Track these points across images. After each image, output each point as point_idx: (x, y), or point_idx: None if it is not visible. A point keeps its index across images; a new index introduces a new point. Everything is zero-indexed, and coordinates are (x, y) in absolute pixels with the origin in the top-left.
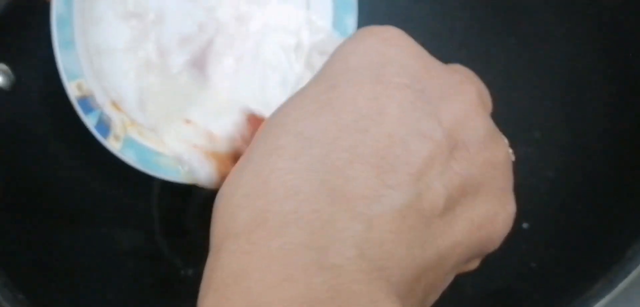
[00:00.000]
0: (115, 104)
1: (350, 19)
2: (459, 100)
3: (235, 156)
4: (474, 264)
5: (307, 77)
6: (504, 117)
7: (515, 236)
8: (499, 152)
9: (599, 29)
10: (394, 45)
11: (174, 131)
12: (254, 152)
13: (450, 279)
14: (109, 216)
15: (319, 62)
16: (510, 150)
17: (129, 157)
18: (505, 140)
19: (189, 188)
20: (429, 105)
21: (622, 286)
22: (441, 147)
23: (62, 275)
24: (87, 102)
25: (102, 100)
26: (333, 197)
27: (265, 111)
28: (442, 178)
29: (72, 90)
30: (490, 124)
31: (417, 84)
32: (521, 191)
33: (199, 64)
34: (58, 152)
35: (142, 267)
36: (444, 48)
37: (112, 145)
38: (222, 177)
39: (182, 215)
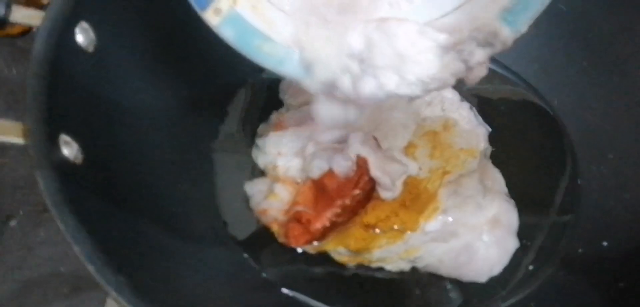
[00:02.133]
0: None
1: None
2: None
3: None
4: None
5: None
6: (577, 138)
7: (597, 254)
8: None
9: None
10: None
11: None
12: None
13: None
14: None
15: None
16: None
17: (227, 35)
18: None
19: None
20: None
21: None
22: None
23: (143, 250)
24: None
25: None
26: None
27: None
28: None
29: None
30: None
31: None
32: (599, 211)
33: None
34: (136, 124)
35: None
36: (516, 62)
37: (210, 18)
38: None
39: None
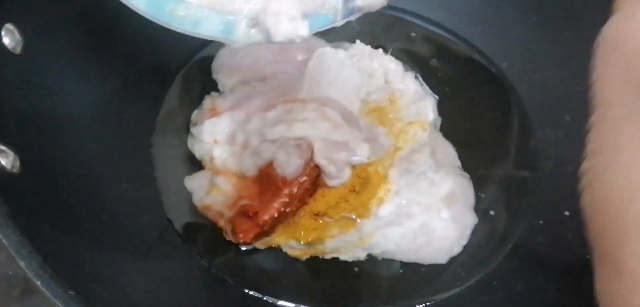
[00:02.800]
0: None
1: None
2: None
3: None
4: None
5: None
6: (528, 100)
7: (559, 225)
8: None
9: None
10: None
11: None
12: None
13: None
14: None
15: None
16: None
17: (138, 5)
18: None
19: None
20: None
21: None
22: None
23: (88, 256)
24: None
25: None
26: None
27: None
28: None
29: None
30: None
31: None
32: (558, 178)
33: None
34: (72, 126)
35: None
36: (459, 23)
37: None
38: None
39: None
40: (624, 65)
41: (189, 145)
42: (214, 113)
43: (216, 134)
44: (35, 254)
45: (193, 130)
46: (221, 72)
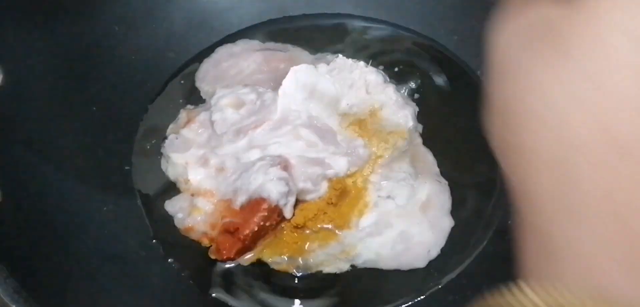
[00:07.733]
0: None
1: None
2: None
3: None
4: None
5: None
6: None
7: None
8: None
9: None
10: None
11: None
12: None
13: None
14: (110, 218)
15: None
16: None
17: None
18: None
19: None
20: None
21: None
22: None
23: (71, 277)
24: None
25: None
26: None
27: None
28: None
29: None
30: None
31: None
32: None
33: None
34: (54, 153)
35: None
36: (437, 33)
37: None
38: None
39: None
40: None
41: (163, 167)
42: (191, 124)
43: (186, 156)
44: (10, 279)
45: (164, 151)
46: (205, 81)
